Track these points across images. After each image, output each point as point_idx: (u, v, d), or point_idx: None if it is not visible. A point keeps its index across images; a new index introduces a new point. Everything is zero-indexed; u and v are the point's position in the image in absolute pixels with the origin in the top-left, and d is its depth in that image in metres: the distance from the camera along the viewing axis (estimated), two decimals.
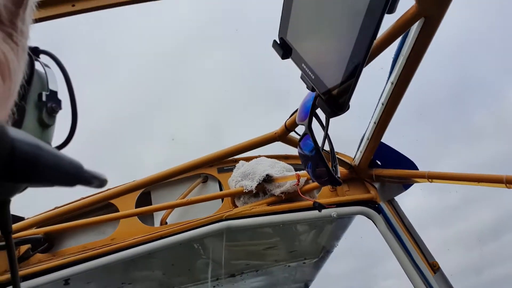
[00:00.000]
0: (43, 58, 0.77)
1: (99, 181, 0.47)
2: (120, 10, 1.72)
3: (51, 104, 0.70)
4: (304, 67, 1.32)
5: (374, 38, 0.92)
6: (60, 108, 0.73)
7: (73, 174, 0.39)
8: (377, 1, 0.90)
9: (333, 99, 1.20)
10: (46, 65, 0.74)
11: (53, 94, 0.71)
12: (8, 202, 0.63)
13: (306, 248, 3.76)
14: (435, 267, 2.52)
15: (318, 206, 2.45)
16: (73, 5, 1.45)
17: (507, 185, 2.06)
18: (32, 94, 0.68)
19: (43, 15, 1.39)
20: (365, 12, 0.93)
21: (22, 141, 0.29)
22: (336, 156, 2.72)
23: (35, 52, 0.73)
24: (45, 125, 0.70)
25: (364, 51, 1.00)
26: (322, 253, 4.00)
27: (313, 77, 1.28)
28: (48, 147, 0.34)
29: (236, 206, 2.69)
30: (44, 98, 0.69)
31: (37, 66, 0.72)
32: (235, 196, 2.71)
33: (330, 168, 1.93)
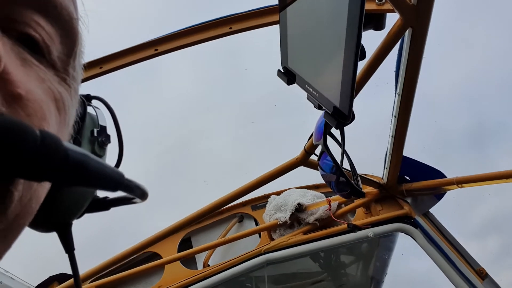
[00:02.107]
0: (94, 102, 0.95)
1: (140, 191, 0.52)
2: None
3: (101, 138, 0.85)
4: (308, 88, 1.47)
5: (358, 50, 1.08)
6: (109, 141, 0.88)
7: (116, 179, 0.45)
8: (353, 21, 1.06)
9: (337, 111, 1.34)
10: (97, 107, 0.91)
11: (102, 130, 0.86)
12: (71, 224, 0.74)
13: (355, 279, 3.68)
14: (482, 274, 2.43)
15: (353, 227, 2.49)
16: (101, 67, 1.70)
17: None
18: (86, 131, 0.84)
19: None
20: (345, 33, 1.09)
21: (73, 150, 0.38)
22: (365, 176, 2.79)
23: (88, 98, 0.91)
24: (98, 156, 0.85)
25: (352, 64, 1.16)
26: (372, 284, 3.88)
27: (317, 95, 1.43)
28: (94, 156, 0.41)
29: (273, 239, 2.75)
30: (95, 134, 0.84)
31: (90, 110, 0.89)
32: (271, 229, 2.78)
33: (352, 182, 2.01)
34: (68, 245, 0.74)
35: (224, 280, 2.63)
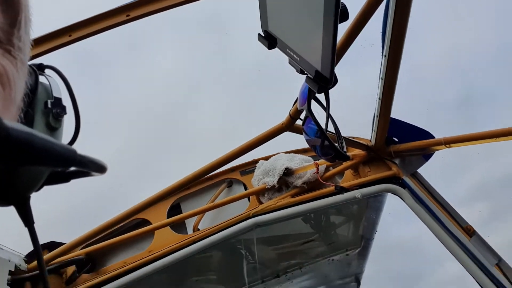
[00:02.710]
0: (48, 72, 0.88)
1: (96, 166, 0.52)
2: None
3: (56, 110, 0.80)
4: (289, 52, 1.41)
5: (337, 11, 1.01)
6: (64, 112, 0.84)
7: (66, 156, 0.43)
8: None
9: (319, 76, 1.28)
10: (49, 76, 0.85)
11: (57, 101, 0.82)
12: (29, 198, 0.71)
13: (344, 238, 3.75)
14: (470, 231, 2.47)
15: (340, 189, 2.49)
16: (70, 35, 1.61)
17: None
18: (39, 103, 0.79)
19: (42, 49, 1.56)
20: None
21: (16, 128, 0.35)
22: (353, 139, 2.76)
23: (40, 67, 0.85)
24: (52, 128, 0.81)
25: (332, 26, 1.09)
26: (363, 242, 3.96)
27: (298, 59, 1.36)
28: (41, 134, 0.39)
29: (262, 203, 2.76)
30: (49, 105, 0.79)
31: (42, 79, 0.83)
32: (260, 193, 2.78)
33: (337, 145, 1.98)
34: (27, 218, 0.72)
35: (214, 243, 2.66)
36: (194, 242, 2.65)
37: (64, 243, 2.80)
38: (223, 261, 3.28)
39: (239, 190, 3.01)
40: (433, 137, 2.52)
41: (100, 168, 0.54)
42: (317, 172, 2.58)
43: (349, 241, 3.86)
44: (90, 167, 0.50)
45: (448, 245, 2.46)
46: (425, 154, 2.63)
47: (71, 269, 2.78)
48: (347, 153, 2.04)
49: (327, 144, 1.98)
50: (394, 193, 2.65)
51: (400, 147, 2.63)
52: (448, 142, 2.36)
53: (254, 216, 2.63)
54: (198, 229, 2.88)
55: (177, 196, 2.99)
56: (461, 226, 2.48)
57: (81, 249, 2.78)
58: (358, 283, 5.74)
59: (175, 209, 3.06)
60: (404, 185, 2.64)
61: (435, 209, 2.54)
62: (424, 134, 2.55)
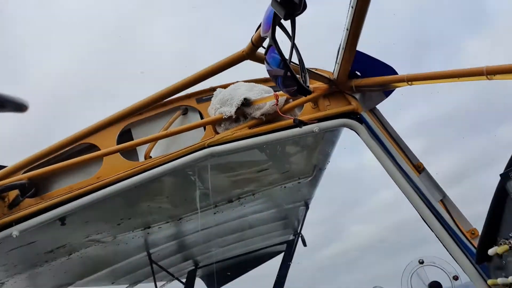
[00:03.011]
0: None
1: (14, 104, 0.52)
2: None
3: None
4: None
5: None
6: None
7: None
8: None
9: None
10: None
11: None
12: None
13: (298, 168, 3.80)
14: (420, 168, 2.55)
15: (299, 123, 2.43)
16: None
17: (488, 76, 2.01)
18: None
19: None
20: None
21: None
22: (315, 71, 2.65)
23: None
24: None
25: None
26: (315, 171, 4.06)
27: None
28: None
29: (218, 133, 2.67)
30: None
31: None
32: (216, 123, 2.68)
33: (300, 79, 1.88)
34: None
35: (166, 172, 2.58)
36: (145, 170, 2.56)
37: (5, 166, 2.62)
38: (175, 188, 3.24)
39: (194, 119, 2.89)
40: (396, 73, 2.47)
41: (18, 107, 0.55)
42: (277, 104, 2.49)
43: (302, 170, 3.93)
44: (7, 107, 0.52)
45: (397, 180, 2.53)
46: (386, 90, 2.59)
47: (14, 193, 2.63)
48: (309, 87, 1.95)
49: (289, 77, 1.87)
50: (351, 128, 2.64)
51: (362, 82, 2.57)
52: (411, 80, 2.32)
53: (209, 146, 2.55)
54: (150, 157, 2.77)
55: (128, 121, 2.82)
56: (412, 163, 2.54)
57: (23, 173, 2.62)
58: (307, 207, 6.03)
59: (125, 135, 2.91)
60: (361, 120, 2.63)
61: (389, 146, 2.57)
62: (388, 70, 2.49)
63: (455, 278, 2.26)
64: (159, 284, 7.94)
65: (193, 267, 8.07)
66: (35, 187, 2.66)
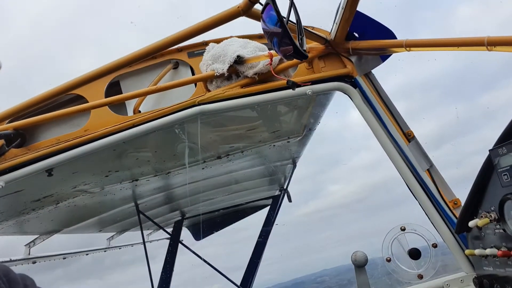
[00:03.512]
0: None
1: None
2: None
3: None
4: None
5: None
6: None
7: None
8: None
9: None
10: None
11: None
12: None
13: (288, 127, 3.79)
14: (409, 136, 2.55)
15: (292, 85, 2.38)
16: None
17: (488, 47, 1.97)
18: None
19: None
20: None
21: None
22: (312, 31, 2.56)
23: None
24: None
25: None
26: (305, 131, 4.06)
27: None
28: None
29: (209, 91, 2.61)
30: None
31: None
32: (207, 80, 2.61)
33: (296, 41, 1.81)
34: None
35: (155, 129, 2.54)
36: (134, 125, 2.51)
37: None
38: (164, 143, 3.21)
39: (185, 74, 2.80)
40: (395, 38, 2.40)
41: None
42: (271, 64, 2.42)
43: (292, 130, 3.92)
44: None
45: (386, 147, 2.55)
46: (383, 55, 2.53)
47: None
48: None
49: (286, 38, 1.80)
50: (345, 92, 2.60)
51: (359, 44, 2.50)
52: (409, 46, 2.26)
53: (199, 104, 2.50)
54: (139, 111, 2.71)
55: (117, 73, 2.73)
56: (403, 131, 2.54)
57: (8, 123, 2.55)
58: (294, 165, 6.10)
59: (114, 87, 2.82)
60: (355, 84, 2.59)
61: (381, 112, 2.56)
62: (387, 33, 2.42)
63: (434, 245, 2.33)
64: (146, 232, 8.13)
65: (180, 218, 8.24)
66: (20, 138, 2.61)
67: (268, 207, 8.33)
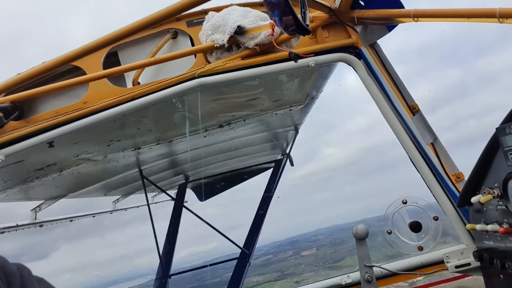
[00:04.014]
0: None
1: None
2: None
3: None
4: None
5: None
6: None
7: None
8: None
9: None
10: None
11: None
12: None
13: (290, 96, 3.73)
14: (414, 109, 2.50)
15: (294, 57, 2.31)
16: None
17: (500, 19, 1.88)
18: None
19: None
20: None
21: None
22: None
23: None
24: None
25: None
26: (307, 100, 3.99)
27: None
28: None
29: (209, 62, 2.54)
30: None
31: None
32: (207, 51, 2.53)
33: (299, 15, 1.73)
34: None
35: (155, 102, 2.50)
36: (133, 98, 2.47)
37: None
38: (165, 114, 3.18)
39: (185, 44, 2.72)
40: (403, 7, 2.30)
41: None
42: (272, 35, 2.34)
43: (294, 99, 3.86)
44: None
45: (390, 120, 2.50)
46: (389, 25, 2.43)
47: None
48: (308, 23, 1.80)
49: (288, 12, 1.72)
50: (349, 63, 2.52)
51: (365, 13, 2.40)
52: (417, 16, 2.17)
53: (199, 76, 2.44)
54: (138, 83, 2.66)
55: (114, 44, 2.65)
56: (407, 104, 2.48)
57: (4, 95, 2.51)
58: (297, 131, 6.07)
59: (111, 57, 2.75)
60: (360, 55, 2.51)
61: (385, 84, 2.49)
62: (394, 2, 2.31)
63: (435, 218, 2.35)
64: (150, 195, 8.27)
65: (184, 181, 8.34)
66: (18, 110, 2.58)
67: (271, 170, 8.41)
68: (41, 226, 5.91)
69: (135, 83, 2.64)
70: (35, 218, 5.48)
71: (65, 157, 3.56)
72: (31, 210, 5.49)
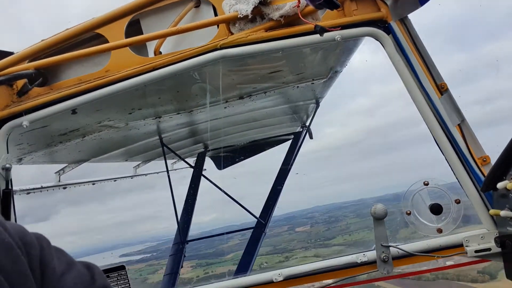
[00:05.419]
0: None
1: None
2: None
3: None
4: None
5: None
6: None
7: None
8: None
9: None
10: None
11: None
12: None
13: (313, 69, 3.65)
14: (443, 89, 2.40)
15: (320, 30, 2.24)
16: None
17: None
18: None
19: None
20: None
21: None
22: None
23: None
24: None
25: None
26: (331, 73, 3.91)
27: None
28: None
29: (232, 33, 2.48)
30: None
31: None
32: (230, 22, 2.47)
33: None
34: None
35: (177, 72, 2.49)
36: (155, 68, 2.45)
37: (11, 53, 2.53)
38: (186, 84, 3.16)
39: (207, 13, 2.65)
40: None
41: None
42: (298, 6, 2.26)
43: (317, 72, 3.78)
44: None
45: (416, 100, 2.42)
46: None
47: (21, 82, 2.58)
48: None
49: None
50: (377, 38, 2.42)
51: None
52: None
53: (222, 48, 2.39)
54: (160, 52, 2.63)
55: (137, 12, 2.61)
56: (436, 83, 2.39)
57: (29, 62, 2.53)
58: (318, 105, 5.99)
59: (133, 25, 2.72)
60: (389, 30, 2.40)
61: (414, 61, 2.39)
62: None
63: (457, 201, 2.29)
64: (170, 161, 8.39)
65: (203, 150, 8.42)
66: (42, 77, 2.60)
67: (290, 142, 8.40)
68: (64, 188, 6.11)
69: (157, 52, 2.62)
70: (59, 181, 5.65)
71: (88, 123, 3.61)
72: (55, 172, 5.66)
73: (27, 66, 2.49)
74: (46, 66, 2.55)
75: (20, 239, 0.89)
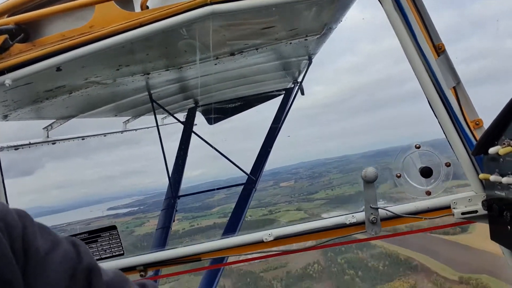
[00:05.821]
0: None
1: None
2: None
3: None
4: None
5: None
6: None
7: None
8: None
9: None
10: None
11: None
12: None
13: (307, 25, 3.52)
14: (440, 50, 2.34)
15: None
16: None
17: None
18: None
19: None
20: None
21: None
22: None
23: None
24: None
25: None
26: (325, 30, 3.78)
27: None
28: None
29: None
30: None
31: None
32: None
33: None
34: None
35: (165, 29, 2.37)
36: (141, 25, 2.34)
37: None
38: (175, 40, 3.03)
39: None
40: None
41: None
42: None
43: (311, 28, 3.66)
44: None
45: (412, 60, 2.36)
46: None
47: (2, 37, 2.45)
48: None
49: None
50: None
51: None
52: None
53: (212, 3, 2.27)
54: (147, 7, 2.50)
55: None
56: (433, 43, 2.32)
57: (8, 16, 2.39)
58: (310, 61, 5.88)
59: None
60: None
61: (412, 21, 2.30)
62: None
63: (447, 164, 2.30)
64: (160, 116, 8.31)
65: (194, 105, 8.33)
66: (23, 33, 2.46)
67: (281, 97, 8.34)
68: (53, 143, 6.04)
69: (144, 7, 2.48)
70: (47, 136, 5.58)
71: (74, 80, 3.50)
72: (43, 128, 5.57)
73: (7, 21, 2.36)
74: (27, 21, 2.41)
75: (1, 220, 0.85)
